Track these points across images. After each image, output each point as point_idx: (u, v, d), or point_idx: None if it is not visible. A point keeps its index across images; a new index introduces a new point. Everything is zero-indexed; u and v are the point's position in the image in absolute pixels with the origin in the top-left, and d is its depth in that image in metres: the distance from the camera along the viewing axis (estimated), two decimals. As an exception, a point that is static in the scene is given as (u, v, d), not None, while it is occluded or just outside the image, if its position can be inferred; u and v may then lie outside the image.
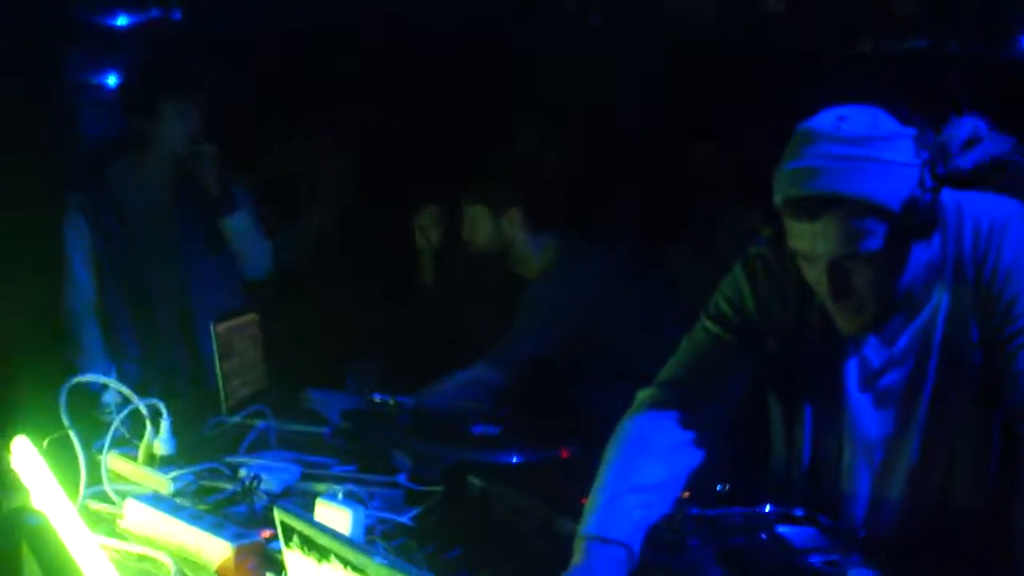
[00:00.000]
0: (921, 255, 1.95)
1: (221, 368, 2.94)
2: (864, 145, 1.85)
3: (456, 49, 4.84)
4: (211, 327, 2.92)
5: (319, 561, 1.50)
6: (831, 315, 2.02)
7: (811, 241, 1.91)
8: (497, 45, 4.89)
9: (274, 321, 3.46)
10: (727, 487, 2.25)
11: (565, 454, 2.48)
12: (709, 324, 2.16)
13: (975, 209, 1.99)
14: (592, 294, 3.31)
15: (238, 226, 3.44)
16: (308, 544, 1.51)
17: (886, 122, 1.89)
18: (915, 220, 1.87)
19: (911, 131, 1.89)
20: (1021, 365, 1.93)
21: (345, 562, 1.45)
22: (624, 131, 4.69)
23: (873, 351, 2.08)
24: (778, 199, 1.93)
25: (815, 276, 1.97)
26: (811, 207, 1.87)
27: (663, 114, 4.73)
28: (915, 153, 1.87)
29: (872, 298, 1.95)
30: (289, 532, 1.55)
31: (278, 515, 1.55)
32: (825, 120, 1.91)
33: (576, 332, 3.26)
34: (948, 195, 1.97)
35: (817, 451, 2.16)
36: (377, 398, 2.78)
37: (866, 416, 2.11)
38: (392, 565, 1.39)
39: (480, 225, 3.39)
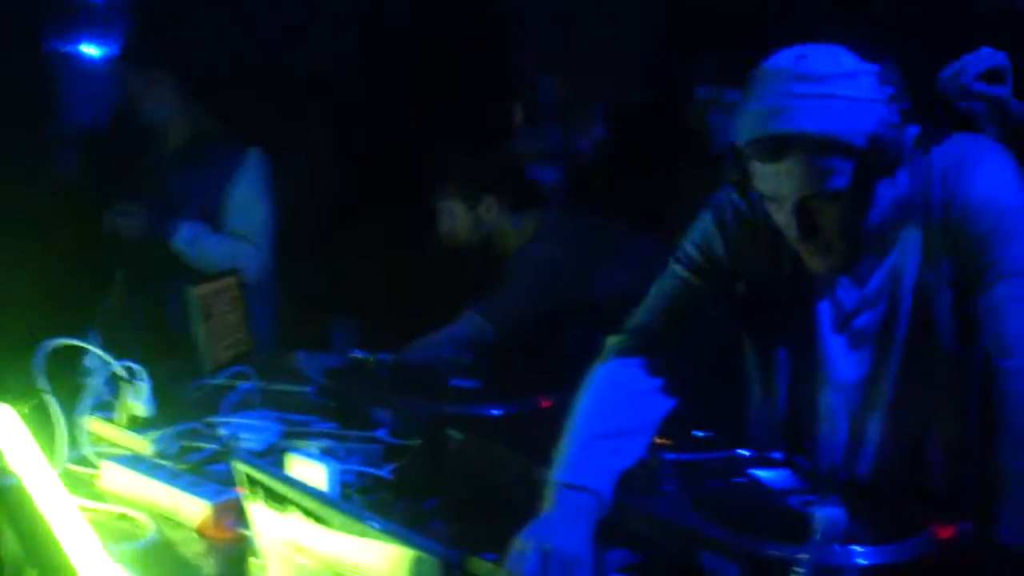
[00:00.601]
0: (890, 193, 1.94)
1: (201, 331, 2.93)
2: (825, 82, 1.82)
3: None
4: (189, 290, 2.91)
5: (282, 513, 1.50)
6: (801, 257, 2.01)
7: (776, 182, 1.89)
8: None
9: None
10: (706, 434, 2.25)
11: (546, 404, 2.47)
12: (678, 269, 2.15)
13: (947, 147, 1.97)
14: (580, 254, 3.30)
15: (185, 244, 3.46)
16: (272, 496, 1.51)
17: (847, 59, 1.86)
18: (880, 157, 1.86)
19: (874, 67, 1.86)
20: (993, 300, 1.92)
21: (307, 512, 1.45)
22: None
23: (845, 292, 2.07)
24: (741, 141, 1.91)
25: (783, 218, 1.95)
26: (775, 147, 1.85)
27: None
28: (878, 89, 1.84)
29: (840, 237, 1.94)
30: (252, 484, 1.54)
31: (240, 468, 1.55)
32: (785, 59, 1.88)
33: (567, 290, 3.25)
34: (918, 133, 1.95)
35: (793, 394, 2.16)
36: (358, 355, 2.78)
37: (841, 358, 2.11)
38: (352, 512, 1.39)
39: (458, 219, 3.37)
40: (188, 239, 3.50)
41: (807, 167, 1.84)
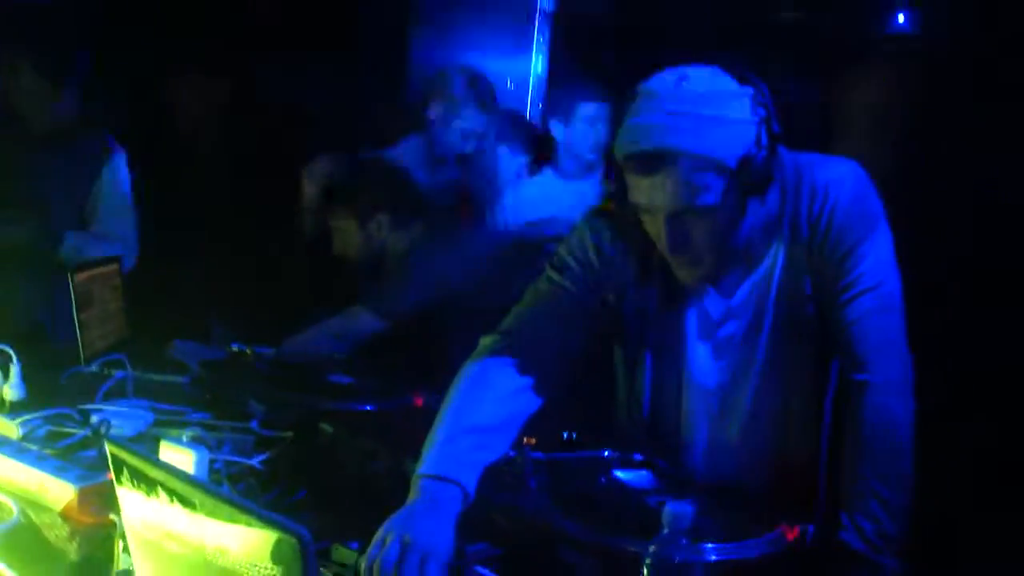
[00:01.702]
0: (758, 210, 2.02)
1: (79, 317, 2.91)
2: (702, 103, 1.90)
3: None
4: (69, 275, 2.89)
5: (147, 495, 1.52)
6: (672, 267, 2.08)
7: (650, 195, 1.96)
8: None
9: (141, 271, 3.46)
10: (574, 434, 2.31)
11: (419, 402, 2.51)
12: (553, 275, 2.22)
13: (812, 169, 2.06)
14: (465, 257, 3.35)
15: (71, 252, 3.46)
16: (137, 477, 1.53)
17: (724, 81, 1.95)
18: (751, 176, 1.94)
19: (748, 90, 1.94)
20: (850, 317, 2.03)
21: (172, 493, 1.47)
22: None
23: (712, 303, 2.15)
24: (619, 155, 1.98)
25: (655, 229, 2.03)
26: (650, 162, 1.92)
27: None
28: (751, 111, 1.93)
29: (709, 250, 2.02)
30: (119, 466, 1.56)
31: (109, 448, 1.56)
32: (665, 79, 1.96)
33: (447, 290, 3.30)
34: (787, 155, 2.05)
35: (657, 398, 2.24)
36: (236, 348, 2.79)
37: (705, 366, 2.19)
38: (218, 494, 1.41)
39: (351, 237, 3.40)
40: (74, 247, 3.47)
41: (680, 182, 1.92)
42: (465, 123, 3.75)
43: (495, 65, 4.53)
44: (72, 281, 2.89)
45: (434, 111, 3.79)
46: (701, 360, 2.19)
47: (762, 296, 2.12)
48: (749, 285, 2.13)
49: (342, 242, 3.42)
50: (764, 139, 1.93)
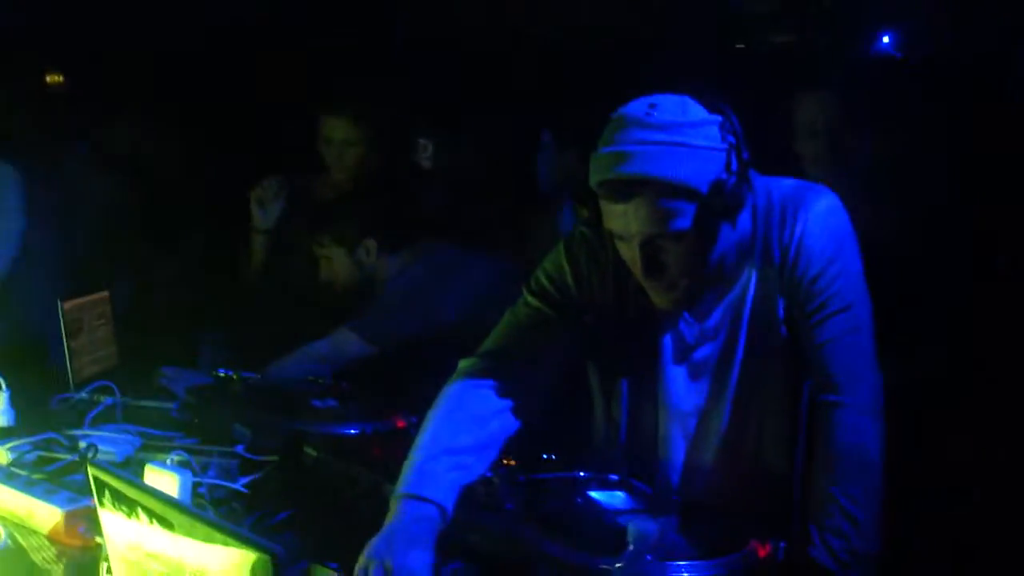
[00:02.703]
0: (730, 235, 2.07)
1: (68, 345, 2.96)
2: (673, 131, 1.95)
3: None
4: (58, 304, 2.94)
5: (128, 516, 1.56)
6: (647, 292, 2.13)
7: (624, 221, 2.00)
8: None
9: (129, 299, 3.50)
10: (553, 456, 2.35)
11: (401, 424, 2.55)
12: (530, 299, 2.26)
13: (782, 193, 2.11)
14: (447, 279, 3.38)
15: None
16: (118, 499, 1.57)
17: (694, 109, 1.99)
18: (722, 201, 1.98)
19: (717, 118, 1.99)
20: (821, 339, 2.08)
21: (151, 514, 1.52)
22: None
23: (687, 326, 2.20)
24: (593, 182, 2.02)
25: (629, 255, 2.07)
26: (623, 189, 1.97)
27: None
28: (721, 138, 1.97)
29: (683, 275, 2.06)
30: (101, 488, 1.60)
31: (90, 470, 1.60)
32: (637, 107, 2.00)
33: (432, 313, 3.33)
34: (759, 180, 2.10)
35: (634, 420, 2.28)
36: (222, 373, 2.83)
37: (681, 388, 2.23)
38: (194, 514, 1.46)
39: (338, 265, 3.42)
40: None
41: (652, 209, 1.96)
42: None
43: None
44: (61, 310, 2.94)
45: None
46: (677, 383, 2.23)
47: (735, 319, 2.16)
48: (723, 308, 2.17)
49: (329, 269, 3.44)
50: (734, 165, 1.97)
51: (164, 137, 4.13)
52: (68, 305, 2.99)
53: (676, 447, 2.26)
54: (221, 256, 3.87)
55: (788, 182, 2.15)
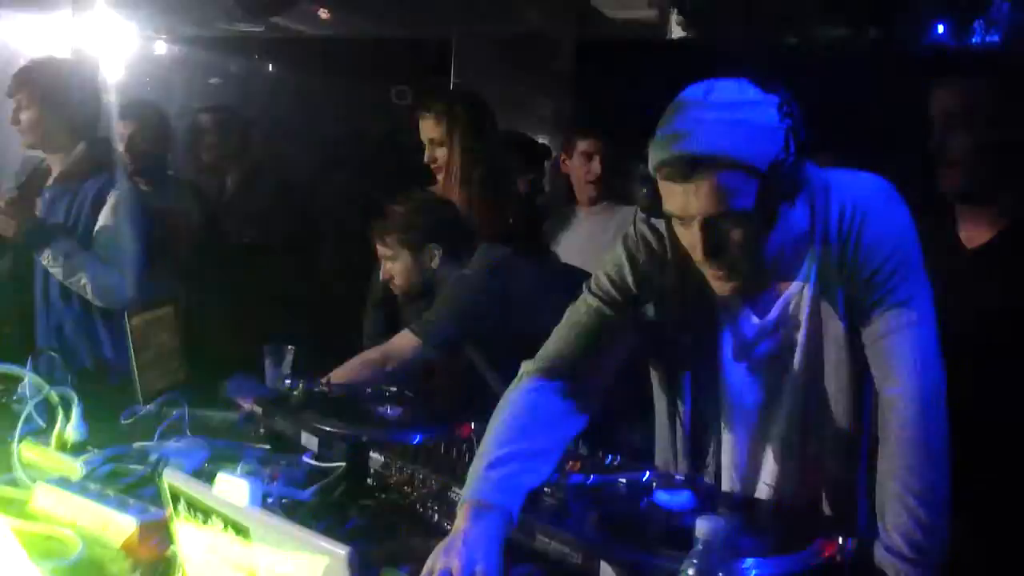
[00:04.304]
0: (790, 220, 2.05)
1: (137, 360, 3.01)
2: (731, 109, 1.95)
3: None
4: (126, 319, 3.00)
5: (202, 524, 1.59)
6: (707, 278, 2.11)
7: (684, 201, 1.99)
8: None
9: (196, 310, 3.55)
10: (617, 457, 2.36)
11: (466, 432, 2.57)
12: (590, 299, 2.27)
13: (841, 188, 2.10)
14: (510, 285, 3.40)
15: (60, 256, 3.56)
16: (192, 509, 1.60)
17: (751, 90, 2.00)
18: (781, 181, 1.97)
19: (775, 98, 1.99)
20: (881, 332, 2.06)
21: (226, 522, 1.55)
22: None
23: (747, 322, 2.20)
24: (653, 164, 2.02)
25: (689, 238, 2.05)
26: (683, 168, 1.96)
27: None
28: (779, 118, 1.97)
29: (744, 258, 2.04)
30: (175, 498, 1.64)
31: (165, 479, 1.64)
32: (694, 91, 2.02)
33: (495, 319, 3.34)
34: (817, 172, 2.09)
35: (696, 418, 2.28)
36: (288, 383, 2.86)
37: (742, 384, 2.23)
38: (267, 520, 1.48)
39: (399, 266, 3.44)
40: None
41: (713, 187, 1.95)
42: None
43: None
44: (129, 325, 2.99)
45: None
46: (738, 379, 2.23)
47: (796, 314, 2.16)
48: (782, 303, 2.17)
49: (392, 269, 3.46)
50: (792, 145, 1.97)
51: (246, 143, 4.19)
52: (135, 320, 3.05)
53: (740, 444, 2.26)
54: (290, 266, 3.92)
55: (847, 173, 2.14)
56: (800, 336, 2.16)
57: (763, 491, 2.25)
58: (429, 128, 3.86)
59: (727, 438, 2.27)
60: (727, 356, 2.23)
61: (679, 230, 2.07)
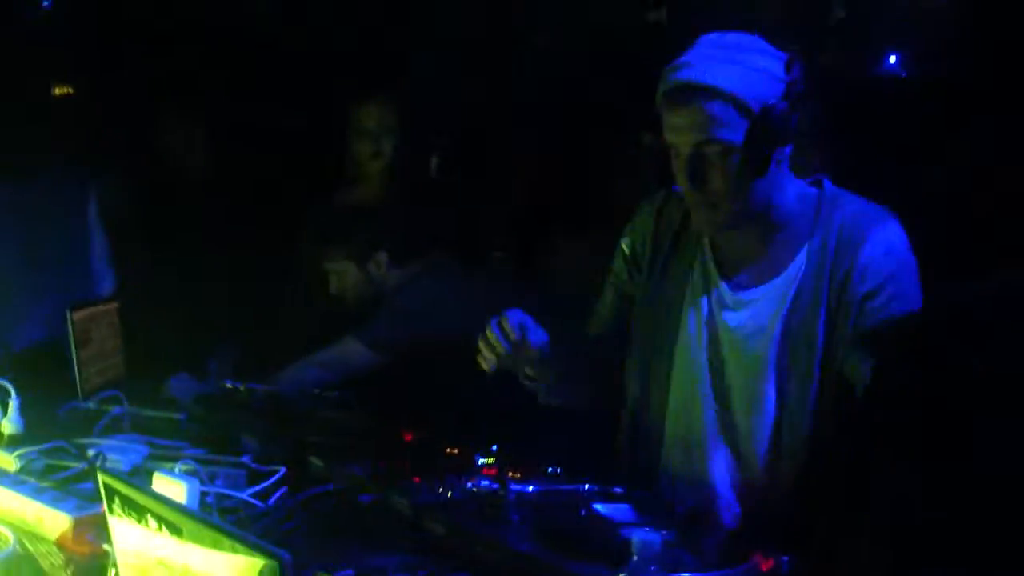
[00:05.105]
0: (789, 211, 2.19)
1: (78, 355, 2.98)
2: (738, 50, 2.09)
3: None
4: (67, 314, 2.96)
5: (137, 522, 1.58)
6: (691, 212, 2.23)
7: (677, 129, 2.13)
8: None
9: (139, 308, 3.52)
10: (558, 469, 2.37)
11: (409, 437, 2.57)
12: (609, 276, 2.46)
13: (851, 210, 2.19)
14: (458, 295, 3.40)
15: None
16: (128, 506, 1.59)
17: (761, 42, 2.13)
18: (769, 126, 2.08)
19: (784, 55, 2.11)
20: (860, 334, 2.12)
21: (161, 520, 1.53)
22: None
23: (719, 291, 2.29)
24: (659, 93, 2.15)
25: (679, 167, 2.16)
26: (681, 96, 2.10)
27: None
28: (782, 72, 2.09)
29: (727, 195, 2.14)
30: (111, 495, 1.62)
31: (100, 476, 1.62)
32: (712, 34, 2.15)
33: (438, 325, 3.34)
34: (831, 187, 2.21)
35: (645, 414, 2.39)
36: (229, 384, 2.85)
37: (703, 360, 2.30)
38: (202, 520, 1.47)
39: (348, 279, 3.45)
40: None
41: (703, 116, 2.08)
42: None
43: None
44: (70, 319, 2.96)
45: None
46: (700, 354, 2.30)
47: (776, 305, 2.22)
48: (764, 289, 2.23)
49: (341, 282, 3.46)
50: (791, 97, 2.08)
51: (179, 142, 4.16)
52: (77, 315, 3.02)
53: (684, 456, 2.29)
54: (231, 265, 3.89)
55: (858, 201, 2.21)
56: (776, 328, 2.19)
57: (705, 504, 2.27)
58: (372, 116, 3.81)
59: (671, 446, 2.30)
60: (693, 322, 2.30)
61: (674, 163, 2.18)
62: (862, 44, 4.16)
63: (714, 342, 2.27)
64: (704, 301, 2.29)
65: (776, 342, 2.19)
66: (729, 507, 2.26)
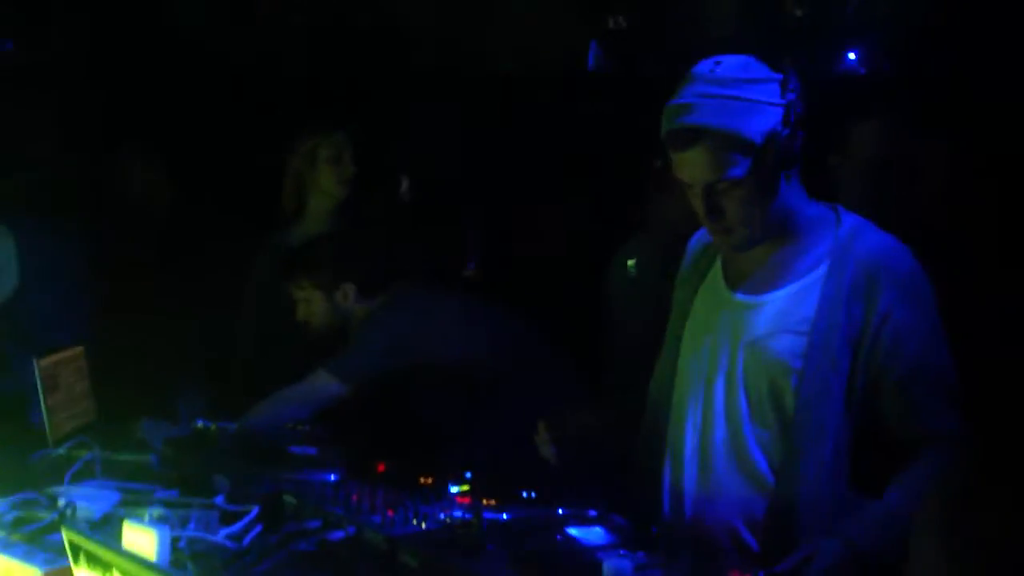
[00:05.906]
0: (804, 232, 2.22)
1: (46, 402, 2.95)
2: (733, 86, 2.11)
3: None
4: (34, 362, 2.94)
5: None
6: (712, 236, 2.28)
7: (688, 169, 2.16)
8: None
9: (106, 353, 3.49)
10: (533, 494, 2.36)
11: (381, 468, 2.56)
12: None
13: (870, 247, 2.18)
14: (425, 322, 3.38)
15: None
16: (93, 561, 1.58)
17: (756, 67, 2.15)
18: (775, 154, 2.12)
19: (779, 76, 2.14)
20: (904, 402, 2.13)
21: (126, 574, 1.52)
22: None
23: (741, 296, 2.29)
24: (662, 132, 2.18)
25: (695, 201, 2.20)
26: (684, 138, 2.13)
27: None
28: (780, 95, 2.12)
29: (741, 221, 2.19)
30: (76, 551, 1.61)
31: (65, 534, 1.61)
32: (704, 65, 2.16)
33: (410, 357, 3.33)
34: (846, 214, 2.23)
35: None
36: (200, 424, 2.83)
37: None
38: (169, 574, 1.46)
39: (315, 307, 3.43)
40: None
41: (710, 157, 2.12)
42: None
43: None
44: (37, 367, 2.93)
45: None
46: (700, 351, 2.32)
47: (791, 313, 2.22)
48: (776, 295, 2.24)
49: (307, 311, 3.45)
50: (791, 119, 2.12)
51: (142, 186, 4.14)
52: (44, 362, 2.99)
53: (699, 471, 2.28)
54: (198, 306, 3.87)
55: (876, 235, 2.21)
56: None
57: (683, 525, 2.26)
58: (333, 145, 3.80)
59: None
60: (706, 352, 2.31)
61: (688, 194, 2.21)
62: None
63: (726, 350, 2.26)
64: (718, 310, 2.29)
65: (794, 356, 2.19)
66: (707, 528, 2.25)
